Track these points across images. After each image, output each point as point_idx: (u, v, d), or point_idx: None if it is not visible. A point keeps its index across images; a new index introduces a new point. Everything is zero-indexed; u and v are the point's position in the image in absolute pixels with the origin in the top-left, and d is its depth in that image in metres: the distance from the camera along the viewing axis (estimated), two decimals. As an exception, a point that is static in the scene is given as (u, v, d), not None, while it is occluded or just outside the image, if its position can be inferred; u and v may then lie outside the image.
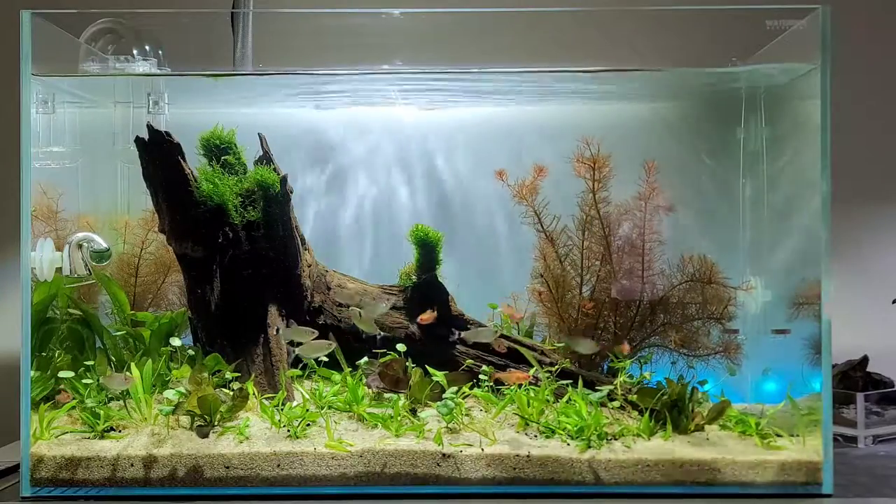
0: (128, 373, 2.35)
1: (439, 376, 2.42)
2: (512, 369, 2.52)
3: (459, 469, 2.13)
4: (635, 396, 2.38)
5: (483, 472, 2.13)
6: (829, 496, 2.10)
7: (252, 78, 2.74)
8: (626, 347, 2.51)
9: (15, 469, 2.32)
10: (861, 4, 3.04)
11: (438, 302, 2.71)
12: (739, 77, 2.65)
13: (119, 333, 2.58)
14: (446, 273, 2.75)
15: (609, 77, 2.60)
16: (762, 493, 2.11)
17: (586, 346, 2.51)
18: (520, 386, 2.45)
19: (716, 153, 2.86)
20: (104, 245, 2.51)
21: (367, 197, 3.04)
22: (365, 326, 2.55)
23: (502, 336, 2.69)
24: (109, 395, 2.44)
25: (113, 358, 2.55)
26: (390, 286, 2.82)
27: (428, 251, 2.72)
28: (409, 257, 2.77)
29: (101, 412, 2.28)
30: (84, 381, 2.35)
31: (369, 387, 2.53)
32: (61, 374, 2.36)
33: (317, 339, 2.50)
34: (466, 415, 2.36)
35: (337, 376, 2.57)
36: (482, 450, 2.14)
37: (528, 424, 2.30)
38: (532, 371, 2.53)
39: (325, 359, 2.58)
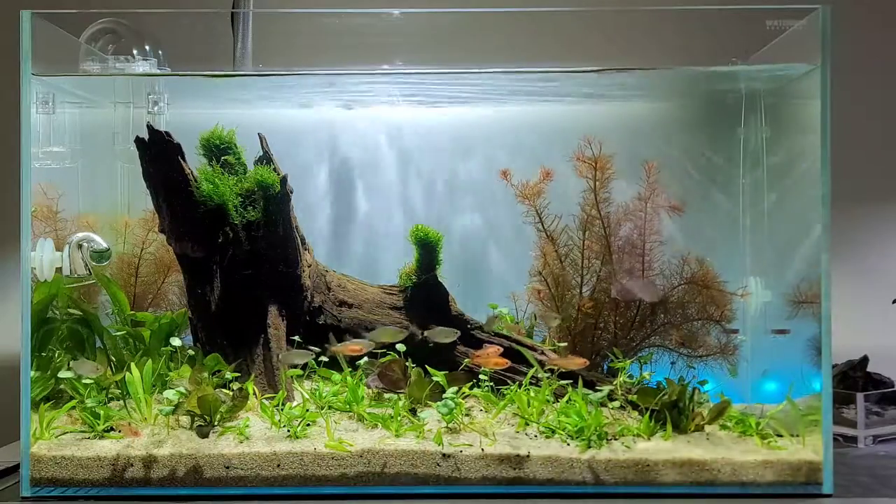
0: (98, 364, 2.34)
1: (439, 376, 2.42)
2: (489, 352, 2.52)
3: (459, 469, 2.13)
4: (635, 396, 2.38)
5: (483, 472, 2.13)
6: (829, 496, 2.10)
7: (252, 78, 2.74)
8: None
9: (15, 469, 2.32)
10: (861, 4, 3.04)
11: (438, 303, 2.71)
12: (739, 77, 2.65)
13: (119, 333, 2.58)
14: (446, 273, 2.75)
15: (608, 77, 2.60)
16: (762, 493, 2.10)
17: (551, 319, 2.56)
18: (520, 385, 2.46)
19: (716, 153, 2.86)
20: (104, 245, 2.51)
21: (367, 197, 3.04)
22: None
23: (502, 336, 2.69)
24: (109, 395, 2.44)
25: (113, 358, 2.55)
26: (390, 286, 2.82)
27: (428, 251, 2.72)
28: (410, 257, 2.78)
29: (102, 412, 2.28)
30: (84, 381, 2.35)
31: (369, 387, 2.53)
32: (61, 374, 2.36)
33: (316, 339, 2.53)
34: (466, 415, 2.36)
35: (337, 376, 2.57)
36: (482, 450, 2.14)
37: (528, 424, 2.30)
38: (532, 371, 2.54)
39: (325, 359, 2.58)
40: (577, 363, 2.43)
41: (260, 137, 2.71)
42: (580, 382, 2.46)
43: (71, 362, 2.34)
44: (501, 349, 2.52)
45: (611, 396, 2.41)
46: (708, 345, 2.65)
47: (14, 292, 3.05)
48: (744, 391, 2.68)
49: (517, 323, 2.82)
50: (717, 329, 2.65)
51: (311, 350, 2.50)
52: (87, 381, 2.35)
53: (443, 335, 2.56)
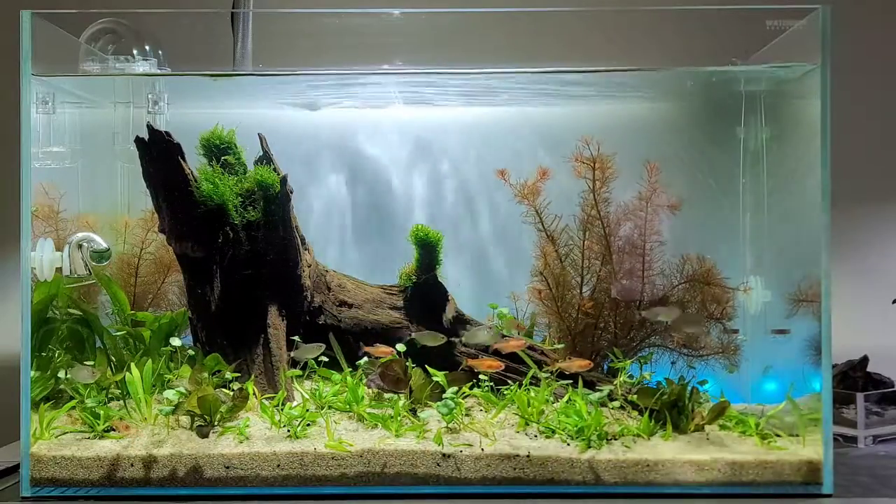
0: (94, 368, 2.34)
1: (439, 376, 2.42)
2: (483, 357, 2.53)
3: (459, 469, 2.13)
4: (635, 396, 2.38)
5: (483, 472, 2.13)
6: (829, 496, 2.10)
7: (252, 78, 2.74)
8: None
9: (15, 469, 2.32)
10: (861, 4, 3.04)
11: (438, 302, 2.71)
12: (739, 77, 2.65)
13: (119, 333, 2.58)
14: (446, 273, 2.75)
15: (608, 76, 2.60)
16: (762, 493, 2.10)
17: (668, 314, 2.52)
18: (520, 385, 2.46)
19: (716, 153, 2.86)
20: (104, 245, 2.51)
21: (366, 197, 3.04)
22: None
23: (502, 336, 2.69)
24: (109, 395, 2.44)
25: (113, 358, 2.55)
26: (391, 286, 2.82)
27: (428, 251, 2.73)
28: (410, 257, 2.78)
29: (102, 412, 2.27)
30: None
31: (369, 387, 2.53)
32: (61, 374, 2.36)
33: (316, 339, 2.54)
34: (466, 415, 2.36)
35: (337, 376, 2.57)
36: (482, 450, 2.14)
37: (528, 424, 2.30)
38: (532, 371, 2.54)
39: (325, 359, 2.58)
40: (579, 365, 2.42)
41: (260, 137, 2.71)
42: (580, 382, 2.46)
43: (68, 371, 2.34)
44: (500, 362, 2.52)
45: (611, 396, 2.41)
46: (709, 344, 2.65)
47: (14, 292, 3.05)
48: (744, 391, 2.68)
49: (518, 322, 2.82)
50: (718, 328, 2.65)
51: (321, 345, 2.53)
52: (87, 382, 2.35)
53: (481, 336, 2.57)
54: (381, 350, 2.53)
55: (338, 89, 2.81)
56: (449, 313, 2.72)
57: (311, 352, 2.52)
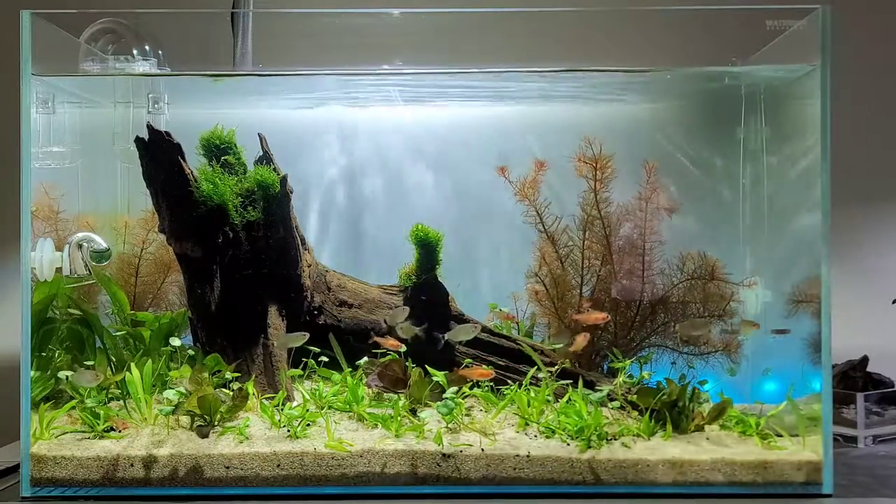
0: (97, 371, 2.34)
1: (439, 376, 2.42)
2: (475, 365, 2.52)
3: (459, 469, 2.13)
4: (635, 396, 2.38)
5: (483, 472, 2.13)
6: (829, 496, 2.11)
7: (252, 78, 2.74)
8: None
9: (15, 469, 2.32)
10: (861, 4, 3.04)
11: (438, 302, 2.71)
12: (739, 77, 2.65)
13: (119, 333, 2.58)
14: (446, 273, 2.75)
15: (608, 77, 2.60)
16: (762, 493, 2.11)
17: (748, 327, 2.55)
18: (520, 385, 2.46)
19: (716, 154, 2.86)
20: (104, 245, 2.51)
21: (366, 197, 3.04)
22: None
23: (502, 336, 2.69)
24: (109, 395, 2.44)
25: (113, 358, 2.55)
26: (390, 286, 2.82)
27: (428, 251, 2.72)
28: (409, 257, 2.78)
29: (101, 412, 2.27)
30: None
31: (369, 386, 2.53)
32: (61, 374, 2.36)
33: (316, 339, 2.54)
34: (466, 415, 2.36)
35: (337, 376, 2.57)
36: (482, 450, 2.14)
37: (528, 424, 2.30)
38: (532, 371, 2.54)
39: (325, 359, 2.58)
40: (596, 318, 2.42)
41: (260, 137, 2.71)
42: (580, 382, 2.46)
43: (69, 375, 2.34)
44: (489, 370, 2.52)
45: (611, 396, 2.41)
46: (710, 340, 2.65)
47: (14, 292, 3.05)
48: (744, 390, 2.68)
49: (517, 323, 2.82)
50: (720, 327, 2.65)
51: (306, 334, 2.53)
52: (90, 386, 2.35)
53: (464, 333, 2.57)
54: (390, 343, 2.53)
55: (336, 89, 2.81)
56: (449, 313, 2.72)
57: (295, 340, 2.50)
